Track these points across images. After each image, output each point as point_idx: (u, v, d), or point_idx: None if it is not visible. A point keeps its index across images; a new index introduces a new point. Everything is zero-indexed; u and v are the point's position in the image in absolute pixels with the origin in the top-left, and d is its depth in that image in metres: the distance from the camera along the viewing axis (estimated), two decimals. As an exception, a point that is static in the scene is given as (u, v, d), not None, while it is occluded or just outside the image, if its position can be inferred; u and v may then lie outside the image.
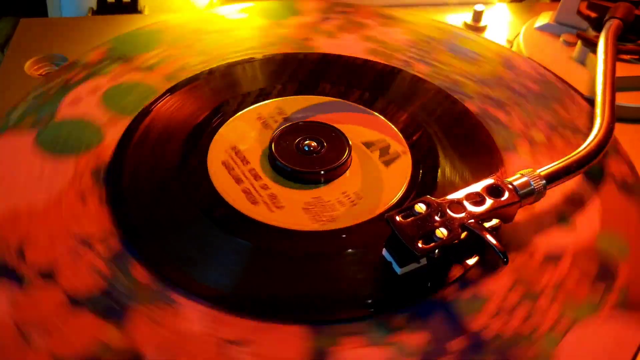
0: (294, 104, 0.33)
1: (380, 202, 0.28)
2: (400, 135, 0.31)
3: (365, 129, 0.32)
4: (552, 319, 0.23)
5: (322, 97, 0.34)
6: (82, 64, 0.36)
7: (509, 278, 0.25)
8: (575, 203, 0.28)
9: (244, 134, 0.31)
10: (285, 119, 0.32)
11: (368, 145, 0.31)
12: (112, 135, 0.31)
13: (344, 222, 0.27)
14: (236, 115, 0.33)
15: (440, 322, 0.23)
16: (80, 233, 0.26)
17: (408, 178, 0.29)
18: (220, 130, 0.31)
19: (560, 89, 0.36)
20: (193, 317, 0.23)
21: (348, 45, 0.38)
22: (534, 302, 0.24)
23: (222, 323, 0.23)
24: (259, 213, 0.27)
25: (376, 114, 0.33)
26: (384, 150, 0.30)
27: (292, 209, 0.27)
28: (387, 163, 0.30)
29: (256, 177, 0.29)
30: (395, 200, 0.28)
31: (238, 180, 0.29)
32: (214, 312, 0.23)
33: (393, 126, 0.32)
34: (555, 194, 0.28)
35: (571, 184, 0.29)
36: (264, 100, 0.34)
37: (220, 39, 0.39)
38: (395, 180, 0.29)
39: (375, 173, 0.29)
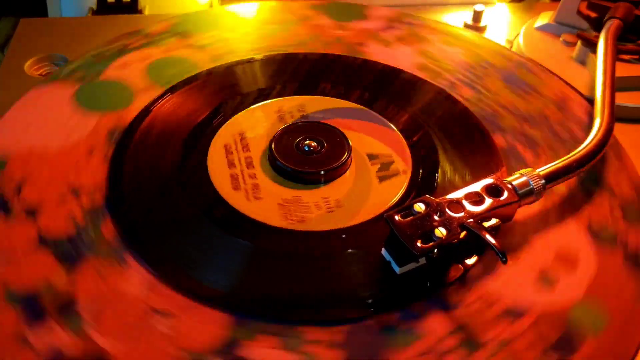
0: (317, 104, 0.33)
1: (357, 215, 0.27)
2: (409, 153, 0.31)
3: (374, 141, 0.31)
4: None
5: (347, 102, 0.34)
6: (144, 34, 0.39)
7: (452, 321, 0.23)
8: (568, 262, 0.26)
9: (257, 124, 0.32)
10: (303, 117, 0.32)
11: (371, 157, 0.30)
12: (140, 102, 0.33)
13: (312, 226, 0.27)
14: (256, 105, 0.33)
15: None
16: (74, 182, 0.28)
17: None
18: (236, 116, 0.33)
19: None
20: (135, 280, 0.24)
21: (399, 56, 0.38)
22: (471, 352, 0.22)
23: (157, 292, 0.24)
24: (238, 200, 0.28)
25: (394, 127, 0.32)
26: (385, 166, 0.30)
27: (268, 202, 0.28)
28: (382, 179, 0.29)
29: (249, 165, 0.29)
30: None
31: (231, 165, 0.29)
32: (153, 280, 0.24)
33: (406, 145, 0.31)
34: (550, 250, 0.26)
35: (572, 241, 0.27)
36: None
37: (278, 30, 0.40)
38: (381, 196, 0.28)
39: (365, 186, 0.29)
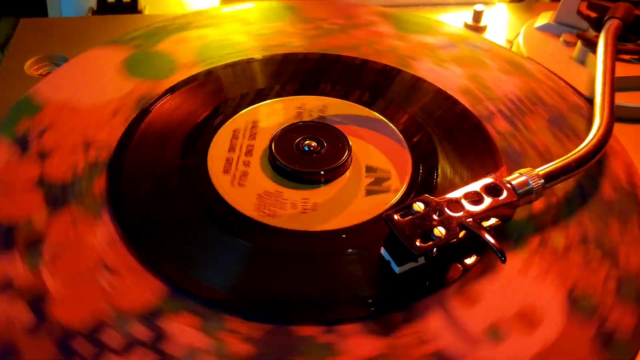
0: (339, 108, 0.33)
1: (326, 223, 0.27)
2: (409, 173, 0.29)
3: (379, 154, 0.31)
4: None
5: (371, 111, 0.33)
6: (210, 15, 0.41)
7: (377, 346, 0.22)
8: (528, 321, 0.23)
9: (274, 115, 0.33)
10: (321, 117, 0.32)
11: (369, 169, 0.30)
12: (180, 76, 0.35)
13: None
14: (279, 98, 0.34)
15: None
16: (89, 137, 0.31)
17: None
18: (257, 105, 0.33)
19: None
20: (100, 234, 0.26)
21: (446, 76, 0.36)
22: None
23: (114, 250, 0.25)
24: (223, 183, 0.28)
25: (406, 147, 0.31)
26: (379, 181, 0.29)
27: (250, 191, 0.28)
28: (369, 193, 0.28)
29: (247, 153, 0.30)
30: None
31: (231, 149, 0.30)
32: (116, 239, 0.26)
33: (411, 164, 0.30)
34: (515, 303, 0.24)
35: (544, 300, 0.24)
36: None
37: (336, 32, 0.40)
38: (359, 211, 0.27)
39: (349, 197, 0.28)
